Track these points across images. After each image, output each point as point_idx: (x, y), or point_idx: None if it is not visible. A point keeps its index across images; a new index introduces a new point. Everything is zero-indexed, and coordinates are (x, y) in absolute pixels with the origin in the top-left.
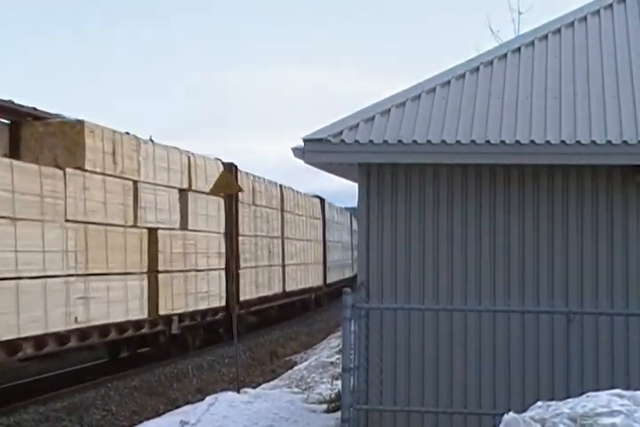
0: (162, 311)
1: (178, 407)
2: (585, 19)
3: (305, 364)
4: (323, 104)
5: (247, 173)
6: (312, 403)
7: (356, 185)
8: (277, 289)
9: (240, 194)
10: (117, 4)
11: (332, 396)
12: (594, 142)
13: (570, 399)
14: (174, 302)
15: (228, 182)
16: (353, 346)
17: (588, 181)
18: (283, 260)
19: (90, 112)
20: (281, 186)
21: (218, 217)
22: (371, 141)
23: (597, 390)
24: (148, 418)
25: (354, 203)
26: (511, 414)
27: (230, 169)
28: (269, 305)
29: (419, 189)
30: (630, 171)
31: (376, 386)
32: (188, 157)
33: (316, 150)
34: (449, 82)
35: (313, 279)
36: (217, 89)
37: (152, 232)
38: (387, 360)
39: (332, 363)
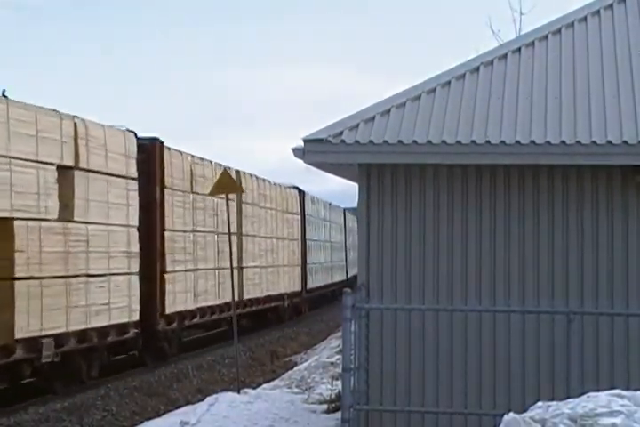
0: (20, 334)
1: (178, 408)
2: (585, 19)
3: (305, 364)
4: (323, 104)
5: (181, 153)
6: (312, 403)
7: (356, 185)
8: (230, 297)
9: (170, 178)
10: (117, 4)
11: (333, 396)
12: (594, 142)
13: (570, 400)
14: (44, 319)
15: (229, 182)
16: (353, 346)
17: (588, 181)
18: (240, 261)
19: (90, 112)
20: (238, 171)
21: (127, 206)
22: (371, 142)
23: (597, 390)
24: (149, 418)
25: (354, 203)
26: (511, 414)
27: (154, 146)
28: (218, 317)
29: (419, 189)
30: (630, 171)
31: (376, 386)
32: (75, 124)
33: (317, 151)
34: (449, 82)
35: (287, 284)
36: (217, 89)
37: (4, 224)
38: (387, 360)
39: (332, 363)
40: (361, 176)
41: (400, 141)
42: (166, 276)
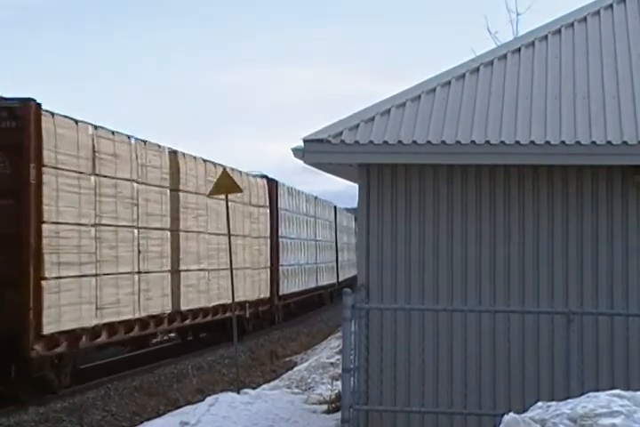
0: None
1: (178, 408)
2: (585, 19)
3: (305, 364)
4: (323, 104)
5: (77, 122)
6: (312, 403)
7: (356, 185)
8: (162, 308)
9: (53, 154)
10: (117, 4)
11: (332, 396)
12: (594, 142)
13: (570, 400)
14: None
15: (229, 182)
16: (353, 347)
17: (588, 181)
18: (175, 263)
19: (89, 112)
20: (175, 152)
21: None
22: (371, 142)
23: (597, 390)
24: (149, 419)
25: (354, 203)
26: (511, 414)
27: (26, 109)
28: (139, 334)
29: (419, 189)
30: (630, 171)
31: (376, 386)
32: None
33: (316, 151)
34: (449, 82)
35: (249, 290)
36: (217, 89)
37: None
38: (387, 361)
39: (332, 363)
40: (361, 176)
41: (400, 141)
42: (45, 283)
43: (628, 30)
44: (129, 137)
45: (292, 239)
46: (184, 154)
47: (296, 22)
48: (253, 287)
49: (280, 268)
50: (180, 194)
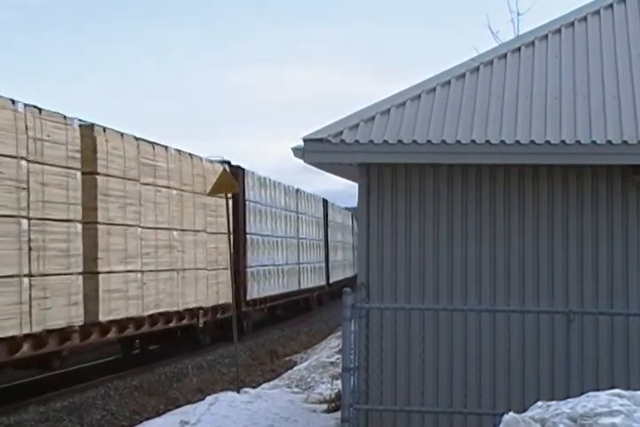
0: None
1: (178, 407)
2: (585, 19)
3: (305, 364)
4: (323, 104)
5: None
6: (312, 403)
7: (356, 185)
8: (69, 320)
9: None
10: (117, 4)
11: (332, 396)
12: (594, 142)
13: (570, 399)
14: None
15: (228, 182)
16: (353, 346)
17: (588, 181)
18: (89, 264)
19: (89, 112)
20: (92, 126)
21: None
22: (371, 141)
23: (597, 390)
24: (149, 418)
25: (354, 203)
26: (511, 414)
27: None
28: (33, 353)
29: (419, 189)
30: (630, 171)
31: (376, 386)
32: None
33: (316, 150)
34: (449, 82)
35: (203, 295)
36: (217, 89)
37: None
38: (387, 360)
39: (332, 363)
40: (361, 176)
41: (400, 141)
42: None
43: (628, 30)
44: (14, 102)
45: (265, 236)
46: (105, 129)
47: (296, 22)
48: (209, 292)
49: (248, 269)
50: (99, 178)
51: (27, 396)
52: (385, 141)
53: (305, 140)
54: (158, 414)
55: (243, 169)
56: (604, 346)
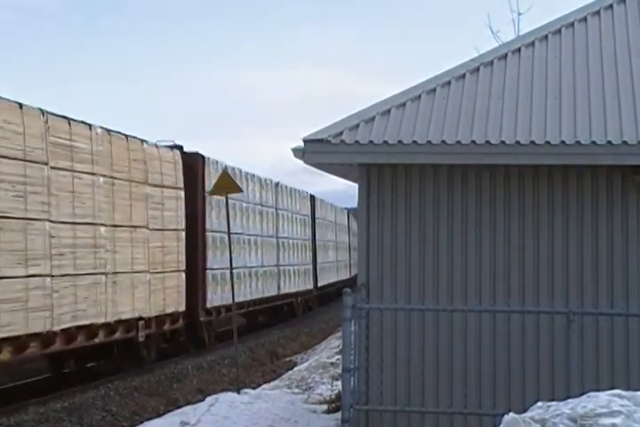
0: None
1: (178, 408)
2: (585, 19)
3: (305, 364)
4: (323, 104)
5: None
6: (312, 403)
7: (356, 185)
8: None
9: None
10: (117, 4)
11: (333, 396)
12: (594, 143)
13: (570, 400)
14: None
15: (229, 182)
16: (353, 346)
17: (588, 181)
18: None
19: (89, 112)
20: None
21: None
22: (371, 142)
23: (597, 390)
24: (149, 419)
25: (354, 203)
26: (511, 414)
27: None
28: None
29: (419, 189)
30: (630, 171)
31: (376, 386)
32: None
33: (316, 151)
34: (449, 82)
35: (143, 303)
36: (217, 89)
37: None
38: (387, 361)
39: (332, 363)
40: (361, 176)
41: (400, 141)
42: None
43: (627, 30)
44: None
45: (232, 234)
46: None
47: (296, 22)
48: (153, 299)
49: (209, 271)
50: None
51: (26, 396)
52: (385, 142)
53: (305, 141)
54: (158, 415)
55: (202, 157)
56: (604, 346)
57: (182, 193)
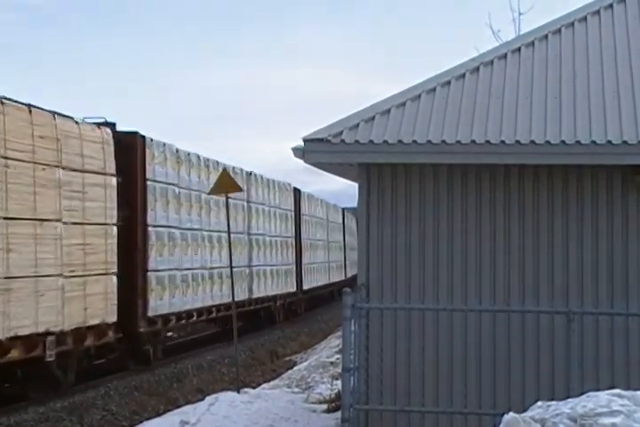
0: None
1: (178, 407)
2: (585, 19)
3: (305, 364)
4: (323, 104)
5: None
6: (312, 403)
7: (356, 185)
8: None
9: None
10: (118, 3)
11: (332, 396)
12: (594, 142)
13: (570, 399)
14: None
15: (229, 182)
16: (353, 346)
17: (588, 181)
18: None
19: (89, 111)
20: None
21: None
22: (371, 141)
23: (597, 390)
24: (149, 418)
25: (354, 203)
26: (511, 414)
27: None
28: None
29: (419, 188)
30: (630, 171)
31: (376, 386)
32: None
33: (316, 150)
34: (449, 82)
35: (54, 315)
36: (217, 89)
37: None
38: (387, 360)
39: (332, 363)
40: (361, 176)
41: (400, 141)
42: None
43: (627, 30)
44: None
45: (184, 230)
46: None
47: (296, 22)
48: (68, 309)
49: (151, 274)
50: None
51: (26, 397)
52: (385, 141)
53: (305, 141)
54: (158, 415)
55: (143, 137)
56: (604, 346)
57: (114, 180)
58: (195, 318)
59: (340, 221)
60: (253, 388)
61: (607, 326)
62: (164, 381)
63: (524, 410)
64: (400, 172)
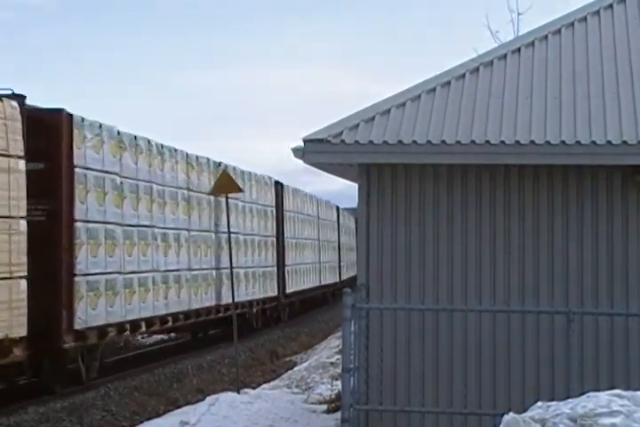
0: None
1: (178, 408)
2: (585, 19)
3: (305, 364)
4: (323, 104)
5: None
6: (312, 403)
7: (356, 185)
8: None
9: None
10: (118, 4)
11: (332, 396)
12: (594, 142)
13: (570, 400)
14: None
15: (229, 182)
16: (353, 346)
17: (588, 181)
18: None
19: (89, 111)
20: None
21: None
22: (371, 142)
23: (597, 390)
24: (149, 418)
25: (354, 203)
26: (511, 414)
27: None
28: None
29: (419, 189)
30: (630, 171)
31: (376, 386)
32: None
33: (316, 151)
34: (449, 82)
35: None
36: (217, 89)
37: None
38: (387, 360)
39: (332, 363)
40: (361, 176)
41: (400, 141)
42: None
43: (627, 30)
44: None
45: (127, 227)
46: None
47: (296, 22)
48: None
49: (80, 278)
50: None
51: (26, 397)
52: (385, 142)
53: (305, 141)
54: (158, 415)
55: (70, 115)
56: (604, 346)
57: (22, 164)
58: (143, 329)
59: (335, 219)
60: (253, 388)
61: (607, 326)
62: (164, 381)
63: (524, 410)
64: (400, 172)
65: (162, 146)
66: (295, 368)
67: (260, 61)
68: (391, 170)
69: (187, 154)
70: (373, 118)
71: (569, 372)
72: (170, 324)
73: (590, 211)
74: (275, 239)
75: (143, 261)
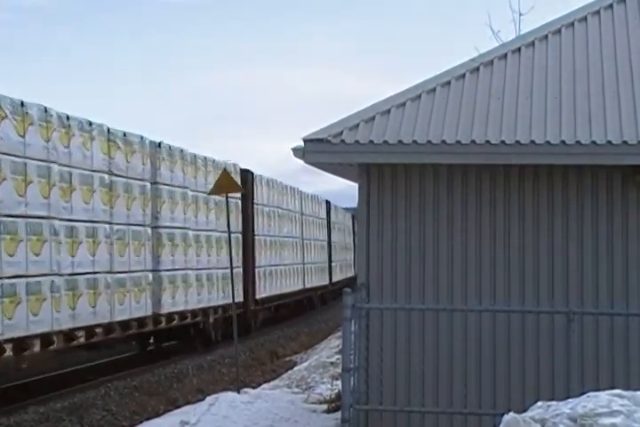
0: None
1: (178, 407)
2: (585, 19)
3: (305, 364)
4: (323, 104)
5: None
6: (312, 403)
7: (356, 185)
8: None
9: None
10: (118, 4)
11: (333, 396)
12: (594, 142)
13: (570, 399)
14: None
15: (229, 182)
16: (353, 346)
17: (588, 181)
18: None
19: (89, 111)
20: None
21: None
22: (371, 142)
23: (597, 390)
24: (149, 418)
25: (354, 203)
26: (511, 414)
27: None
28: None
29: (419, 189)
30: (630, 171)
31: (376, 386)
32: None
33: (317, 150)
34: (449, 82)
35: None
36: (217, 89)
37: None
38: (387, 360)
39: (332, 363)
40: (361, 176)
41: (400, 141)
42: None
43: (627, 30)
44: None
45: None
46: None
47: (296, 22)
48: None
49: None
50: None
51: (26, 396)
52: (385, 142)
53: (305, 141)
54: (158, 415)
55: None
56: (604, 346)
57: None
58: (37, 349)
59: (324, 215)
60: (253, 388)
61: (607, 326)
62: (164, 381)
63: (524, 410)
64: (400, 172)
65: (68, 117)
66: (295, 368)
67: (260, 61)
68: (391, 170)
69: (108, 129)
70: (373, 118)
71: (569, 372)
72: (82, 340)
73: (590, 211)
74: (241, 236)
75: (32, 261)
